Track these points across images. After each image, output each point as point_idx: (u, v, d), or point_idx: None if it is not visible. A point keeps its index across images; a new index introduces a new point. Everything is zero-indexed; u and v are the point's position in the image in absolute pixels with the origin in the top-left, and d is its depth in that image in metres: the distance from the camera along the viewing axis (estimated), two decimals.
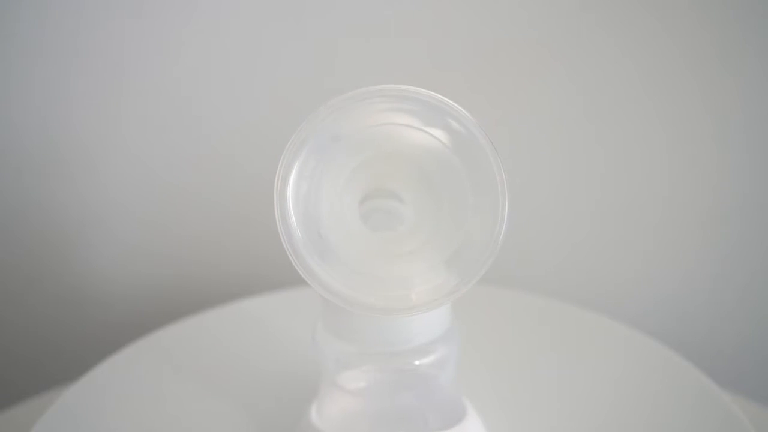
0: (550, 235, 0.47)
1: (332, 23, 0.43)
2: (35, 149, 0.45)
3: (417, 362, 0.26)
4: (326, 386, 0.28)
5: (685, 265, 0.46)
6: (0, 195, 0.46)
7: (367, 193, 0.24)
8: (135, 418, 0.32)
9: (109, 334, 0.46)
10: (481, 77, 0.44)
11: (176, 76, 0.44)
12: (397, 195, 0.25)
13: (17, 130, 0.45)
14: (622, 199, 0.45)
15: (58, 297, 0.48)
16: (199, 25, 0.43)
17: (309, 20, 0.43)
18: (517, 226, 0.46)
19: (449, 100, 0.22)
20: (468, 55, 0.43)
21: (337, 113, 0.22)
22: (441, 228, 0.23)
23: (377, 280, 0.23)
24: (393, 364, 0.26)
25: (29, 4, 0.41)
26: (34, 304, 0.48)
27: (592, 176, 0.45)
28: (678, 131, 0.43)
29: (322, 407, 0.29)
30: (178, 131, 0.45)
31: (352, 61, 0.44)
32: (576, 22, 0.42)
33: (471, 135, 0.22)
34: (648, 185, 0.45)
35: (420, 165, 0.23)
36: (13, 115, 0.44)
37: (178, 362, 0.35)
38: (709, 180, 0.44)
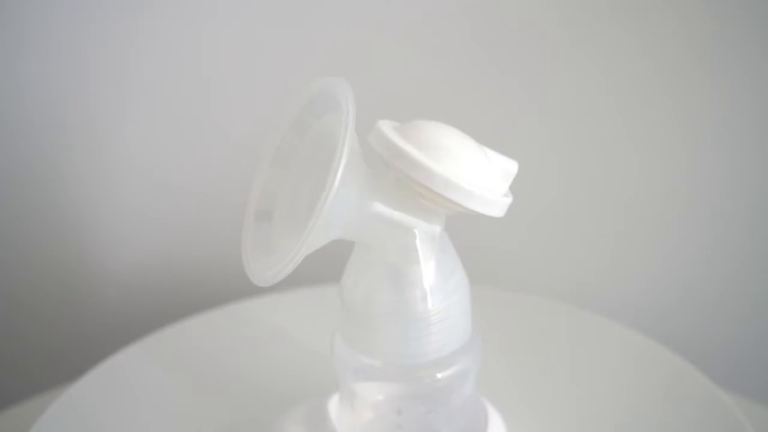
0: (549, 236, 0.47)
1: (344, 27, 0.43)
2: (45, 151, 0.45)
3: (439, 375, 0.25)
4: (344, 394, 0.28)
5: (685, 264, 0.46)
6: (9, 198, 0.46)
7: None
8: (135, 418, 0.32)
9: (109, 334, 0.46)
10: (480, 77, 0.44)
11: (186, 79, 0.44)
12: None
13: (26, 131, 0.44)
14: (622, 199, 0.45)
15: (57, 298, 0.48)
16: (212, 29, 0.43)
17: (322, 24, 0.43)
18: (516, 227, 0.47)
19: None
20: (466, 56, 0.43)
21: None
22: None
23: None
24: (413, 377, 0.25)
25: (33, 5, 0.41)
26: (33, 304, 0.48)
27: (590, 177, 0.45)
28: (676, 131, 0.44)
29: (341, 410, 0.28)
30: (185, 134, 0.46)
31: (360, 63, 0.44)
32: (572, 24, 0.42)
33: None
34: (647, 184, 0.45)
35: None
36: (21, 114, 0.44)
37: (178, 362, 0.35)
38: (708, 178, 0.44)
